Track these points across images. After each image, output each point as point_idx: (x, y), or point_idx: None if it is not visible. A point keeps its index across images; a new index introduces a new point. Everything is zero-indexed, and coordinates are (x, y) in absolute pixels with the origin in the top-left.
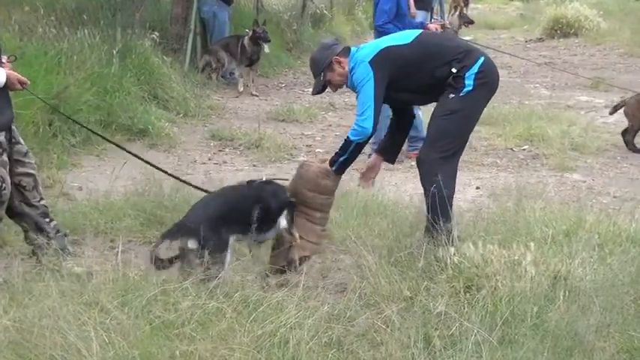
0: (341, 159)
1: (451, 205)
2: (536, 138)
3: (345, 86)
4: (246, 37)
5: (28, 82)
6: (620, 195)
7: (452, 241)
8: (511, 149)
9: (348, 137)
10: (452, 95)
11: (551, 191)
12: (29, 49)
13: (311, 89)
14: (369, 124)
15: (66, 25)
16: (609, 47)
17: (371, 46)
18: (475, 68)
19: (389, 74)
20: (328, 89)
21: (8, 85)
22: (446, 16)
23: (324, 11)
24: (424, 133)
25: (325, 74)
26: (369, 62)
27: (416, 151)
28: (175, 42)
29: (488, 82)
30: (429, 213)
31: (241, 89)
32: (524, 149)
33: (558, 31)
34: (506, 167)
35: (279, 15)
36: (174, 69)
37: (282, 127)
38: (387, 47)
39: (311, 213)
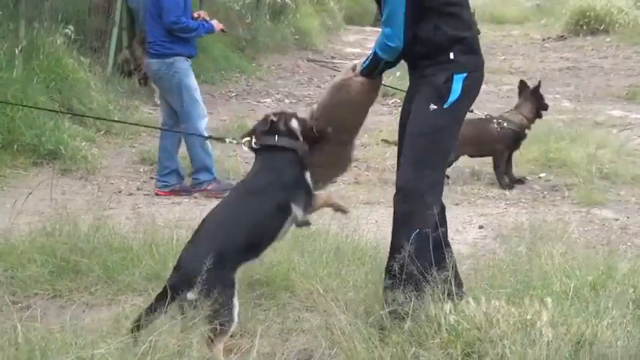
0: (365, 65)
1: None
2: (555, 164)
3: None
4: None
5: None
6: None
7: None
8: (525, 178)
9: (374, 51)
10: (434, 106)
11: (575, 232)
12: None
13: (268, 99)
14: (393, 42)
15: None
16: None
17: None
18: (466, 74)
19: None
20: None
21: None
22: None
23: (287, 0)
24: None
25: None
26: None
27: (165, 189)
28: (95, 39)
29: (471, 92)
30: (415, 258)
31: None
32: (540, 178)
33: (584, 27)
34: (517, 201)
35: (229, 5)
36: (94, 73)
37: (232, 147)
38: None
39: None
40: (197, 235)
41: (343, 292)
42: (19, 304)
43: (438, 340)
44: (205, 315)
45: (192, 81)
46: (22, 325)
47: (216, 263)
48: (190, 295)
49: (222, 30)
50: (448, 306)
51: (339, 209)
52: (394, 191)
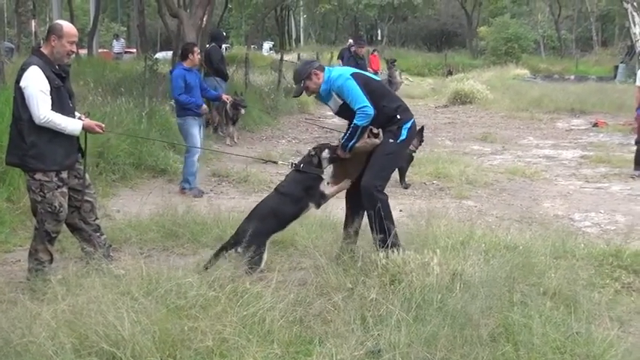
0: (353, 142)
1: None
2: (442, 175)
3: (316, 95)
4: (228, 104)
5: (104, 126)
6: (500, 216)
7: (397, 240)
8: (424, 183)
9: (355, 124)
10: (391, 140)
11: (452, 213)
12: (82, 112)
13: (283, 140)
14: (369, 110)
15: (109, 95)
16: (494, 111)
17: (345, 68)
18: (409, 124)
19: (361, 88)
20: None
21: (90, 131)
22: None
23: (294, 85)
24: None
25: (305, 82)
26: (350, 75)
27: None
28: None
29: (412, 136)
30: (375, 228)
31: (228, 142)
32: (433, 183)
33: (458, 100)
34: (420, 196)
35: (262, 88)
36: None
37: (263, 167)
38: (361, 72)
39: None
40: (250, 215)
41: (324, 246)
42: (144, 254)
43: (376, 273)
44: (246, 260)
45: (196, 130)
46: (145, 265)
47: (257, 233)
48: (239, 249)
49: (225, 101)
50: (382, 254)
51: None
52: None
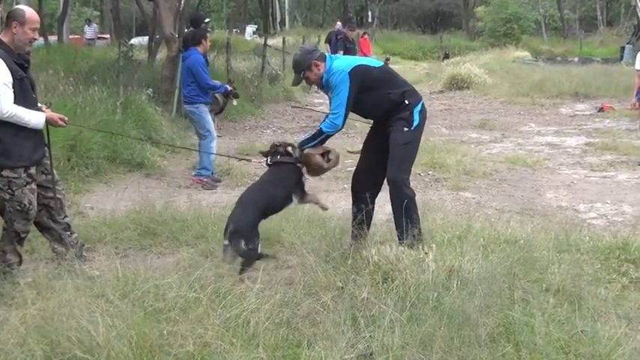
0: (310, 144)
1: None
2: (437, 165)
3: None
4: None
5: (66, 118)
6: (500, 208)
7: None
8: (419, 174)
9: (320, 129)
10: (406, 129)
11: (449, 205)
12: (52, 102)
13: (268, 130)
14: (339, 121)
15: (81, 84)
16: (493, 97)
17: (347, 59)
18: (419, 107)
19: (359, 86)
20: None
21: (51, 123)
22: None
23: (278, 72)
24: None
25: (305, 72)
26: (348, 72)
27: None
28: (165, 96)
29: (424, 118)
30: (402, 221)
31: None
32: (429, 174)
33: (455, 85)
34: (415, 187)
35: (244, 74)
36: (164, 117)
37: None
38: (362, 64)
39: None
40: (238, 203)
41: (312, 243)
42: (120, 254)
43: (368, 271)
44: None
45: (209, 116)
46: (121, 265)
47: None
48: (242, 244)
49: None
50: (373, 250)
51: (321, 207)
52: (344, 183)
